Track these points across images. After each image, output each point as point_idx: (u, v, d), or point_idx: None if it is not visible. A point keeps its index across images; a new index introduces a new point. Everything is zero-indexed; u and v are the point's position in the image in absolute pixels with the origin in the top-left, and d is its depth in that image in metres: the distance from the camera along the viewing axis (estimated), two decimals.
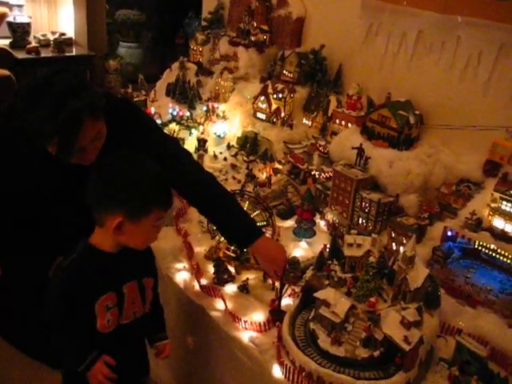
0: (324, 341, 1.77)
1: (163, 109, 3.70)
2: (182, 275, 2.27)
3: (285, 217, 2.67)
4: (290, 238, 2.50)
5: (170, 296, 2.29)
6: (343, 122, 2.96)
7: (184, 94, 3.82)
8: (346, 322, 1.78)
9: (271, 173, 3.02)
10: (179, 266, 2.31)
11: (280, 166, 3.05)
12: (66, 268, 1.68)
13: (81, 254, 1.70)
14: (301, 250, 2.42)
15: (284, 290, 2.02)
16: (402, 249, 2.23)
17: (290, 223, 2.61)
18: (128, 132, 2.04)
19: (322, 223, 2.64)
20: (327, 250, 2.10)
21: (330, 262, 2.00)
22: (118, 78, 6.88)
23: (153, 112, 3.61)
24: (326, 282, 1.93)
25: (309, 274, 2.00)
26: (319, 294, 1.83)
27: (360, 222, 2.49)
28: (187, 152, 2.22)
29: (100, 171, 1.69)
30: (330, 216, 2.60)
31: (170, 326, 2.34)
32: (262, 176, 3.03)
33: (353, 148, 2.58)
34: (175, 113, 3.58)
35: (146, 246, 1.78)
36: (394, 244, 2.35)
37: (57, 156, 1.74)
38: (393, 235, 2.36)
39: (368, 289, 1.83)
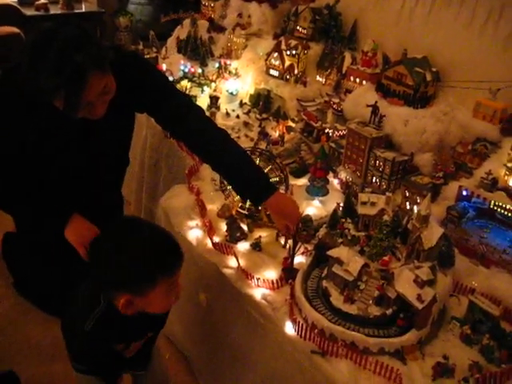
0: (337, 299, 1.78)
1: (175, 66, 3.64)
2: (194, 233, 2.26)
3: (298, 175, 2.65)
4: (303, 196, 2.49)
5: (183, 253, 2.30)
6: (358, 80, 2.90)
7: (196, 50, 3.76)
8: (358, 281, 1.78)
9: (284, 131, 2.99)
10: (192, 223, 2.31)
11: (293, 124, 3.02)
12: (90, 332, 1.67)
13: (102, 316, 1.67)
14: (314, 209, 2.40)
15: (297, 248, 2.01)
16: (415, 208, 2.22)
17: (303, 181, 2.60)
18: (138, 87, 2.01)
19: (335, 182, 2.62)
20: (341, 208, 2.08)
21: (343, 220, 1.99)
22: (129, 35, 6.78)
23: (164, 69, 3.56)
24: (340, 240, 1.93)
25: (322, 232, 2.00)
26: (332, 252, 1.83)
27: (374, 180, 2.47)
28: (200, 108, 2.19)
29: (99, 246, 1.67)
30: (343, 174, 2.58)
31: (182, 282, 2.37)
32: (275, 134, 3.01)
33: (367, 106, 2.53)
34: (187, 70, 3.53)
35: (167, 310, 1.76)
36: (407, 203, 2.33)
37: (64, 111, 1.72)
38: (407, 194, 2.34)
39: (381, 247, 1.82)
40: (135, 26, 7.02)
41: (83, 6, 6.28)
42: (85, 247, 1.80)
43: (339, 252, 1.82)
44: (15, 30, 5.25)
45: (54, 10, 5.88)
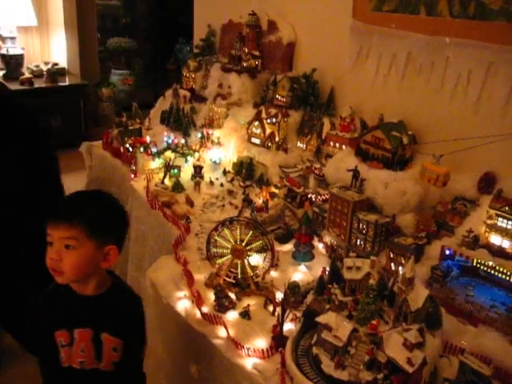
0: (327, 365, 1.77)
1: (158, 137, 3.72)
2: (183, 303, 2.26)
3: (283, 241, 2.68)
4: (289, 262, 2.51)
5: (172, 324, 2.29)
6: (337, 145, 2.99)
7: (178, 121, 3.85)
8: (348, 346, 1.77)
9: (268, 197, 3.03)
10: (180, 294, 2.31)
11: (276, 190, 3.06)
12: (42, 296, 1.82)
13: (52, 287, 1.81)
14: (300, 274, 2.42)
15: (285, 315, 2.02)
16: (401, 269, 2.25)
17: (289, 247, 2.62)
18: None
19: (320, 246, 2.64)
20: (327, 273, 2.10)
21: (330, 285, 2.01)
22: (112, 105, 6.94)
23: (148, 140, 3.64)
24: (327, 306, 1.93)
25: (309, 298, 2.01)
26: (321, 319, 1.83)
27: (358, 243, 2.50)
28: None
29: None
30: (327, 238, 2.62)
31: (172, 354, 2.35)
32: (259, 201, 3.04)
33: (348, 170, 2.61)
34: (170, 141, 3.60)
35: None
36: (392, 264, 2.36)
37: None
38: (391, 256, 2.37)
39: (369, 311, 1.83)
40: (118, 96, 7.19)
41: (67, 79, 6.41)
42: None
43: (327, 318, 1.82)
44: None
45: (39, 83, 6.00)
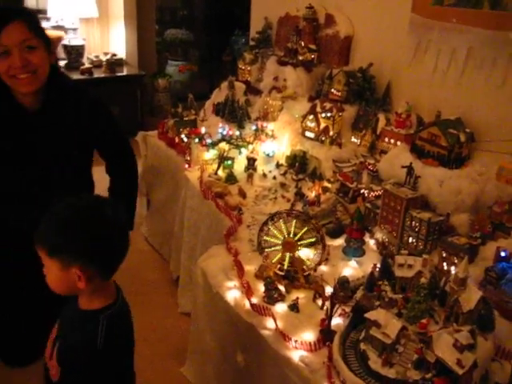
0: (375, 362, 1.77)
1: (213, 128, 3.76)
2: (232, 293, 2.29)
3: (334, 235, 2.67)
4: (340, 256, 2.50)
5: (221, 314, 2.33)
6: (392, 141, 2.96)
7: (233, 113, 3.88)
8: (397, 344, 1.77)
9: (320, 191, 3.02)
10: (230, 284, 2.34)
11: (329, 185, 3.05)
12: None
13: None
14: (350, 269, 2.42)
15: (334, 310, 2.02)
16: (453, 269, 2.21)
17: (340, 242, 2.61)
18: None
19: (371, 242, 2.62)
20: (377, 269, 2.09)
21: (380, 282, 2.00)
22: (167, 96, 7.05)
23: (203, 132, 3.68)
24: (377, 303, 1.93)
25: (359, 294, 2.01)
26: (370, 315, 1.83)
27: (410, 241, 2.47)
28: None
29: None
30: (379, 235, 2.59)
31: (220, 342, 2.39)
32: (311, 194, 3.03)
33: (402, 167, 2.57)
34: (225, 132, 3.64)
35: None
36: (445, 264, 2.32)
37: None
38: (444, 255, 2.33)
39: (419, 310, 1.82)
40: (173, 86, 7.30)
41: (125, 69, 6.54)
42: None
43: (377, 315, 1.82)
44: None
45: (98, 73, 6.15)
